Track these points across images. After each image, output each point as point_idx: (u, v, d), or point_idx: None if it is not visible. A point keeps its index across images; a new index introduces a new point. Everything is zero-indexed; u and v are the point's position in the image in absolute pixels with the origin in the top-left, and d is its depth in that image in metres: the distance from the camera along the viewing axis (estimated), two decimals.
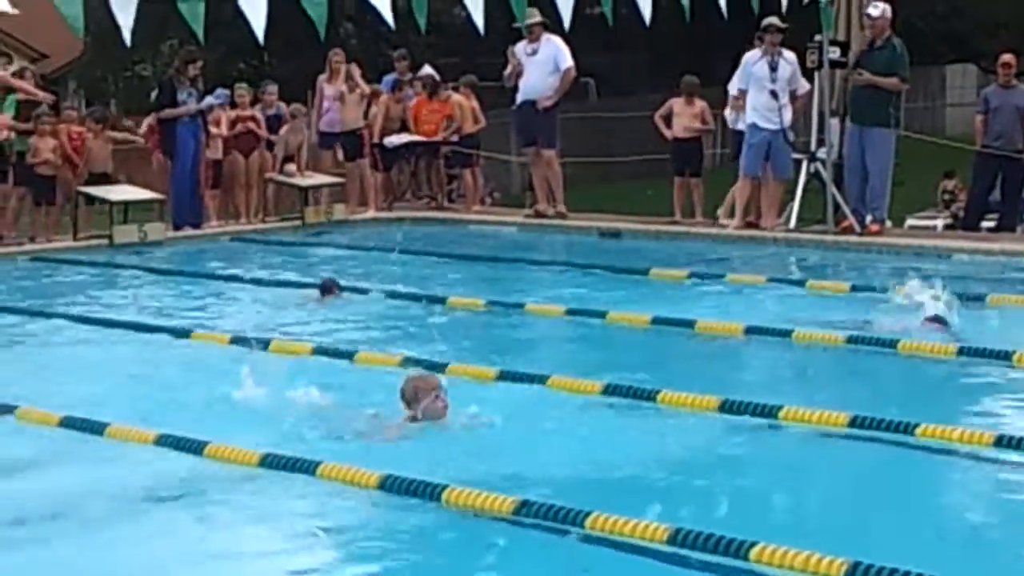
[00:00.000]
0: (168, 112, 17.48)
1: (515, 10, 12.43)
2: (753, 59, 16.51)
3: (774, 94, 16.26)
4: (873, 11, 16.02)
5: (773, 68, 16.30)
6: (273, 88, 19.46)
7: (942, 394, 9.22)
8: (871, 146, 15.94)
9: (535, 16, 16.98)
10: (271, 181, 18.82)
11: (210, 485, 7.25)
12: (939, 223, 20.73)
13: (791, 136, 16.61)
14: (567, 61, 17.61)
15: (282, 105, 19.27)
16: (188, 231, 17.48)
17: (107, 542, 6.55)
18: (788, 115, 16.42)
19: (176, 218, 17.62)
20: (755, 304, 12.34)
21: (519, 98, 17.78)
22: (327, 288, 12.70)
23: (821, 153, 16.26)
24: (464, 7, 12.23)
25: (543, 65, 17.56)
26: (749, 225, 16.66)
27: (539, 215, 18.09)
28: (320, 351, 10.24)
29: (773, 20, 16.18)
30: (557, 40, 17.56)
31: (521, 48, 17.67)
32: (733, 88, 16.93)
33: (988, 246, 15.27)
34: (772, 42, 16.29)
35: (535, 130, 17.78)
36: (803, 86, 16.60)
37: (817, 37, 16.12)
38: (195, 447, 7.70)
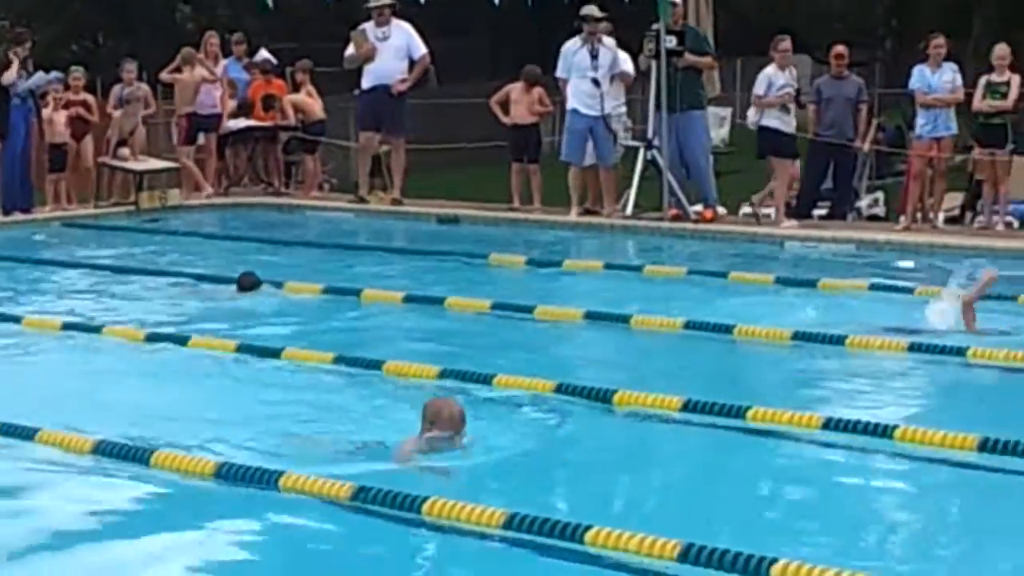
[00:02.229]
0: None
1: None
2: (573, 48, 16.65)
3: (596, 82, 16.42)
4: None
5: (594, 56, 16.46)
6: (131, 66, 18.98)
7: (776, 378, 9.36)
8: (687, 131, 16.24)
9: None
10: (104, 165, 18.49)
11: (35, 474, 7.12)
12: (773, 211, 20.99)
13: (621, 123, 16.79)
14: (421, 48, 17.62)
15: (142, 85, 18.91)
16: (18, 216, 17.10)
17: None
18: (609, 102, 16.57)
19: (6, 203, 17.23)
20: (593, 290, 12.43)
21: (368, 82, 17.67)
22: (247, 284, 11.97)
23: (656, 141, 16.41)
24: None
25: (397, 50, 17.52)
26: (587, 212, 16.79)
27: (363, 200, 18.07)
28: (153, 338, 10.10)
29: (590, 10, 16.41)
30: (407, 26, 17.55)
31: (371, 31, 17.58)
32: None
33: (820, 233, 15.57)
34: (591, 31, 16.44)
35: (386, 115, 17.71)
36: (628, 71, 16.81)
37: (655, 26, 16.27)
38: (26, 434, 7.54)
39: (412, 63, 17.74)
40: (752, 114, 16.97)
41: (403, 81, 17.57)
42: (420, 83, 18.59)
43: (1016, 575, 5.84)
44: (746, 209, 16.47)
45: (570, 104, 16.59)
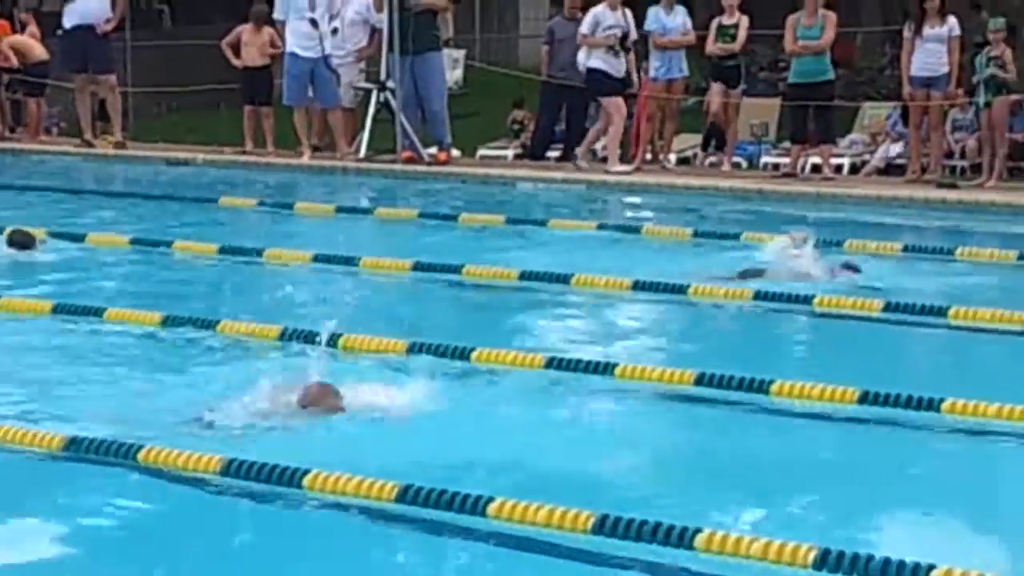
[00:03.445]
0: None
1: None
2: None
3: (314, 22, 16.26)
4: None
5: None
6: None
7: (503, 318, 9.38)
8: (425, 73, 16.20)
9: None
10: None
11: None
12: (509, 153, 21.15)
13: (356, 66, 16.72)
14: None
15: None
16: None
17: None
18: (329, 43, 16.41)
19: None
20: (325, 233, 12.34)
21: (70, 21, 17.25)
22: (20, 242, 11.09)
23: (390, 83, 16.34)
24: None
25: None
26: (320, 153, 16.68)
27: (89, 144, 17.66)
28: None
29: None
30: None
31: None
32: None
33: (552, 175, 15.71)
34: None
35: (92, 55, 17.30)
36: (373, 20, 16.68)
37: None
38: None
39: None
40: (581, 56, 16.33)
41: (108, 21, 17.26)
42: (142, 24, 18.29)
43: (730, 502, 5.96)
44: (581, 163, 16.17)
45: (289, 47, 16.40)
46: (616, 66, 15.93)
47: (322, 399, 6.92)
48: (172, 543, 5.56)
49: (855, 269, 10.12)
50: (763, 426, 7.00)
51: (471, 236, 12.03)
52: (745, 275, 9.96)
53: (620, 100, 16.07)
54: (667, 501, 5.96)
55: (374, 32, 16.72)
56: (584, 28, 16.04)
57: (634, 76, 16.35)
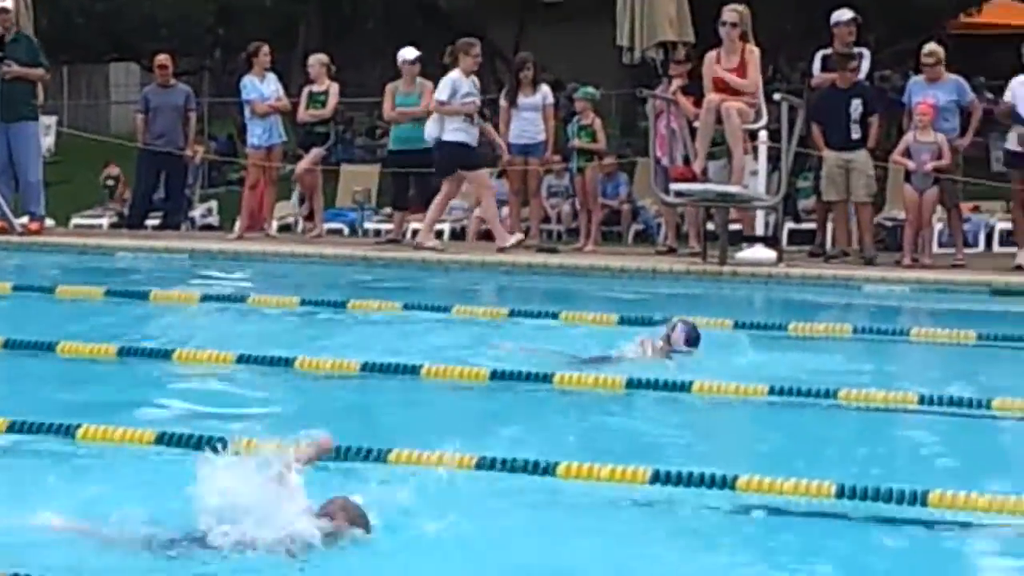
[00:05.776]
0: None
1: None
2: None
3: None
4: (3, 3, 15.92)
5: None
6: None
7: (101, 393, 9.01)
8: (21, 142, 15.79)
9: None
10: None
11: None
12: (105, 221, 20.66)
13: None
14: None
15: None
16: None
17: None
18: None
19: None
20: None
21: None
22: None
23: None
24: None
25: None
26: None
27: None
28: None
29: None
30: None
31: None
32: None
33: (152, 244, 15.40)
34: None
35: None
36: None
37: None
38: None
39: None
40: (431, 126, 15.20)
41: None
42: None
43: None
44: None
45: None
46: (474, 135, 15.08)
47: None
48: None
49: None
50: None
51: (71, 308, 11.60)
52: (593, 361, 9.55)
53: (484, 173, 15.46)
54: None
55: None
56: (442, 95, 14.95)
57: (498, 140, 15.68)
